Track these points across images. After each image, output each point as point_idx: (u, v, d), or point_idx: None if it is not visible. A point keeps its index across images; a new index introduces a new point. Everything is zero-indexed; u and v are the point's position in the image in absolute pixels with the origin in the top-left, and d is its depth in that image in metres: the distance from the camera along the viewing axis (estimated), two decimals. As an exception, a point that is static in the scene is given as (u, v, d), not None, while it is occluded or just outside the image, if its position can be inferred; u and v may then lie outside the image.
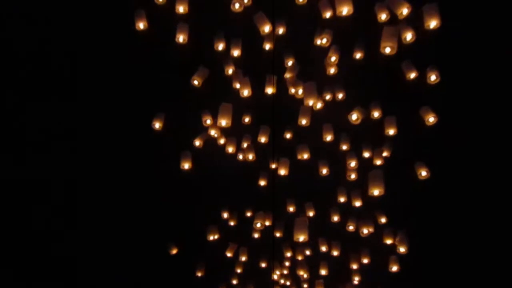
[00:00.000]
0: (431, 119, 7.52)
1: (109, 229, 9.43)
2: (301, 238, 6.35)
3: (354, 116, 7.56)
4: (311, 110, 7.43)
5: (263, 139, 7.79)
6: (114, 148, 8.81)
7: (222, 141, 8.04)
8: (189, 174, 8.12)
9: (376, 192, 6.87)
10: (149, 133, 7.73)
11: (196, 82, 7.36)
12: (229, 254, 9.11)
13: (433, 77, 7.28)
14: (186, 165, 7.80)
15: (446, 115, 7.88)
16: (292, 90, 7.40)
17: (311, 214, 8.72)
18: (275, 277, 9.02)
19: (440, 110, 7.68)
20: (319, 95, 7.64)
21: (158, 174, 8.89)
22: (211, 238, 8.87)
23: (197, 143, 7.78)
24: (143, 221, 9.39)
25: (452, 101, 8.13)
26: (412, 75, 7.24)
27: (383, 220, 8.70)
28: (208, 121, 7.69)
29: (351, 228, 8.53)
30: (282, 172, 7.89)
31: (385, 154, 7.98)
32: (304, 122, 7.40)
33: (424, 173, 7.75)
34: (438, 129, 7.78)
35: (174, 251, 9.36)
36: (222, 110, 7.19)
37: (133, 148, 8.70)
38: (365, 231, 8.56)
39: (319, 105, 7.34)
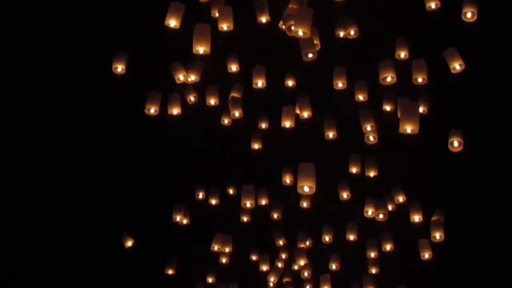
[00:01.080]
0: (457, 66, 6.79)
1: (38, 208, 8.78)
2: (306, 188, 5.74)
3: (389, 78, 6.83)
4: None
5: (260, 83, 6.99)
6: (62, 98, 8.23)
7: (193, 98, 7.25)
8: (152, 134, 7.76)
9: (409, 129, 6.12)
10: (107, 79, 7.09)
11: (172, 24, 6.56)
12: (216, 247, 8.46)
13: (469, 14, 6.55)
14: (152, 109, 7.01)
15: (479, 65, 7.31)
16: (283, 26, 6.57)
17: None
18: (272, 279, 8.69)
19: (471, 57, 6.94)
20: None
21: (111, 134, 8.45)
22: (178, 219, 8.43)
23: (175, 111, 7.17)
24: (88, 202, 8.83)
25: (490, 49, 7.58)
26: (433, 4, 6.52)
27: (400, 199, 8.12)
28: (181, 77, 7.00)
29: (369, 213, 8.06)
30: (287, 124, 7.01)
31: (421, 109, 7.09)
32: (310, 55, 6.34)
33: (456, 143, 7.10)
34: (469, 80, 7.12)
35: (130, 244, 8.70)
36: (198, 32, 6.35)
37: (86, 95, 8.16)
38: (381, 215, 7.99)
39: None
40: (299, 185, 5.77)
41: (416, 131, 6.17)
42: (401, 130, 6.20)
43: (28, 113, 8.44)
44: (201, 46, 6.36)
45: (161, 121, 7.16)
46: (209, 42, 6.34)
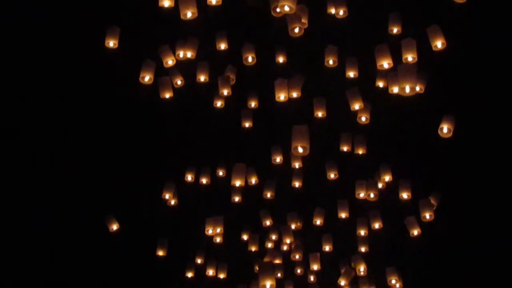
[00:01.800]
0: (439, 44, 6.72)
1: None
2: (300, 149, 5.86)
3: (386, 65, 6.63)
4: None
5: (250, 58, 7.01)
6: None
7: (179, 81, 7.24)
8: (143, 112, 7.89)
9: (407, 89, 5.96)
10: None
11: (167, 4, 6.45)
12: (210, 231, 8.27)
13: None
14: (147, 77, 7.00)
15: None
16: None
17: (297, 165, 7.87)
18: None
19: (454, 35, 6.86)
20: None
21: (98, 109, 8.33)
22: (167, 196, 8.25)
23: (167, 95, 7.17)
24: (75, 182, 8.74)
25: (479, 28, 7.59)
26: None
27: (386, 178, 7.97)
28: (170, 62, 7.05)
29: (362, 195, 7.92)
30: (282, 96, 6.83)
31: (418, 88, 6.97)
32: (297, 30, 6.30)
33: (446, 129, 7.05)
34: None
35: (115, 227, 8.51)
36: None
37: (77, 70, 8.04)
38: (372, 195, 7.92)
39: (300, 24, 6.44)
40: (293, 146, 5.82)
41: (415, 91, 6.10)
42: (399, 91, 6.13)
43: (16, 87, 8.25)
44: (188, 10, 6.25)
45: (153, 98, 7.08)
46: (195, 4, 6.21)
